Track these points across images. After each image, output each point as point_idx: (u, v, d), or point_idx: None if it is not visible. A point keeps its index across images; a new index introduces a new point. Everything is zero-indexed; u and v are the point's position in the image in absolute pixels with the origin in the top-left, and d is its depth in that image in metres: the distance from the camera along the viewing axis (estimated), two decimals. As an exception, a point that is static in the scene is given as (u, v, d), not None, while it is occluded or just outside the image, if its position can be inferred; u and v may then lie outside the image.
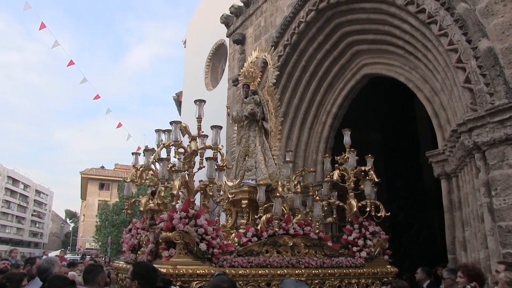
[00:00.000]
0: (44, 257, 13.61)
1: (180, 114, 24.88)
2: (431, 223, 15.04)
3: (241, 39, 16.39)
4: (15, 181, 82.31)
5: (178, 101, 25.98)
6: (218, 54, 22.22)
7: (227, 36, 18.14)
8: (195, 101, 7.03)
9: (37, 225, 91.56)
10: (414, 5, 9.63)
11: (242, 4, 16.82)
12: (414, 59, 10.99)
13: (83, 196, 69.00)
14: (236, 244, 6.65)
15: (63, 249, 44.52)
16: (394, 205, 15.54)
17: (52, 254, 24.62)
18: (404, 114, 16.86)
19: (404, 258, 12.47)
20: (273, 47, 13.16)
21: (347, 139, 8.44)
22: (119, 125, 23.24)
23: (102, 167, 70.89)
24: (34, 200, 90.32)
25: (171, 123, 6.76)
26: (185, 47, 26.43)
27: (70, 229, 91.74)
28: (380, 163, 15.17)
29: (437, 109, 10.61)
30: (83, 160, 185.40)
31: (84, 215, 67.05)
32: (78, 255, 36.18)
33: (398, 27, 10.84)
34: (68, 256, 27.87)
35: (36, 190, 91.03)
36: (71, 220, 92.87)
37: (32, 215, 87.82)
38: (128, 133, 26.99)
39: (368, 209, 7.88)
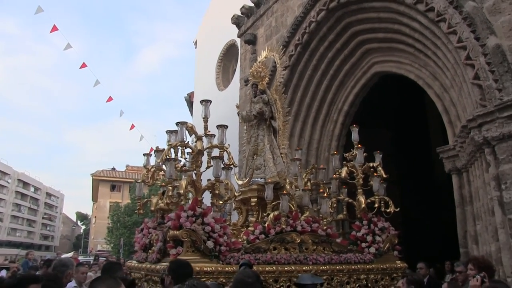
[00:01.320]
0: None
1: (191, 114, 24.98)
2: (443, 218, 14.99)
3: (252, 39, 16.47)
4: (25, 184, 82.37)
5: (189, 102, 26.09)
6: (229, 54, 22.30)
7: (238, 37, 18.22)
8: (201, 101, 7.09)
9: (48, 228, 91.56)
10: (423, 3, 9.72)
11: (252, 5, 16.90)
12: (423, 56, 11.03)
13: (94, 198, 69.05)
14: (244, 241, 6.69)
15: (77, 251, 44.82)
16: (406, 201, 15.57)
17: (64, 256, 24.76)
18: (414, 111, 16.84)
19: (417, 254, 12.47)
20: (283, 47, 13.32)
21: (355, 135, 8.46)
22: (132, 126, 23.27)
23: (113, 168, 70.89)
24: (45, 203, 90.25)
25: (177, 124, 6.83)
26: (196, 47, 26.53)
27: (81, 231, 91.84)
28: (391, 160, 15.25)
29: (447, 106, 10.67)
30: (94, 162, 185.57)
31: (95, 217, 67.11)
32: (90, 257, 36.31)
33: (408, 26, 10.90)
34: (81, 258, 27.98)
35: (46, 192, 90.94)
36: (82, 223, 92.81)
37: (43, 218, 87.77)
38: (141, 134, 27.06)
39: (376, 205, 7.90)
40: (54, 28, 17.61)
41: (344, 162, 8.41)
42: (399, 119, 16.91)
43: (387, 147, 14.85)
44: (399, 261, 7.92)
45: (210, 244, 6.01)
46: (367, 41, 12.81)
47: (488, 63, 8.15)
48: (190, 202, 6.47)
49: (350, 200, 8.29)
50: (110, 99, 22.27)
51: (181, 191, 6.37)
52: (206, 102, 7.05)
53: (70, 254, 26.68)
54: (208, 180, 6.80)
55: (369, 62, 13.13)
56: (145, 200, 8.39)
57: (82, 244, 75.25)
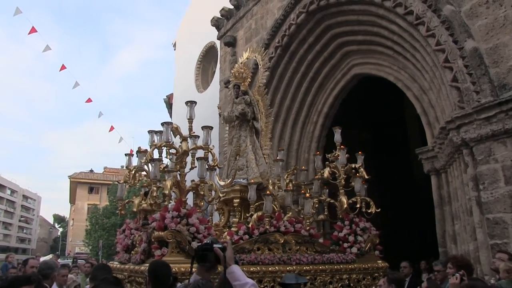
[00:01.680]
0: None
1: (171, 116, 24.92)
2: (422, 218, 15.15)
3: (232, 41, 16.50)
4: (1, 187, 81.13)
5: (169, 103, 26.04)
6: (208, 56, 22.31)
7: (218, 39, 18.23)
8: (186, 103, 7.10)
9: (24, 231, 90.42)
10: (402, 7, 9.86)
11: (232, 7, 16.93)
12: (402, 59, 11.18)
13: (72, 200, 68.57)
14: (229, 242, 6.72)
15: (55, 253, 44.35)
16: (385, 202, 15.70)
17: (43, 259, 24.48)
18: (393, 113, 16.99)
19: (396, 253, 12.60)
20: (264, 49, 13.35)
21: (337, 136, 8.54)
22: (111, 128, 23.21)
23: (91, 171, 70.52)
24: (22, 205, 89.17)
25: (162, 124, 6.83)
26: (175, 49, 26.49)
27: (59, 234, 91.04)
28: (371, 161, 15.35)
29: (426, 108, 10.83)
30: (71, 164, 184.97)
31: (73, 219, 66.69)
32: (68, 259, 36.00)
33: (387, 28, 11.03)
34: (59, 261, 27.69)
35: (23, 195, 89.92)
36: (59, 225, 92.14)
37: (20, 220, 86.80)
38: (120, 136, 26.95)
39: (358, 206, 7.99)
40: (33, 30, 17.46)
41: (326, 162, 8.48)
42: (378, 120, 17.05)
43: (366, 148, 15.00)
44: (381, 261, 8.00)
45: (195, 245, 6.01)
46: (346, 43, 12.91)
47: (466, 66, 8.31)
48: (173, 203, 6.49)
49: (332, 201, 8.37)
50: (89, 100, 22.20)
51: (166, 192, 6.38)
52: (191, 103, 7.06)
53: (49, 257, 26.42)
54: (192, 181, 6.82)
55: (348, 64, 13.24)
56: (126, 201, 8.35)
57: (59, 246, 74.57)
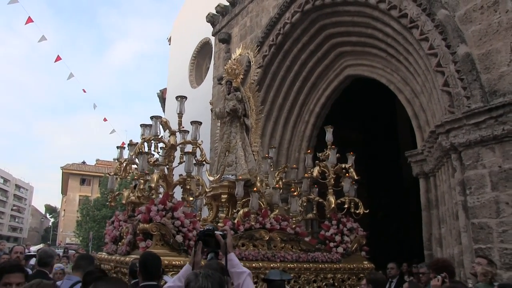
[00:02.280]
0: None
1: (164, 111, 24.90)
2: (409, 221, 15.23)
3: (226, 38, 16.49)
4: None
5: (162, 98, 26.01)
6: (203, 52, 22.27)
7: (212, 35, 18.22)
8: (177, 97, 7.13)
9: (16, 220, 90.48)
10: (396, 9, 9.86)
11: (228, 4, 16.93)
12: (395, 61, 11.19)
13: (64, 191, 68.38)
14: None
15: (46, 243, 44.26)
16: (374, 203, 15.76)
17: (34, 248, 24.44)
18: (385, 115, 17.05)
19: (383, 255, 12.67)
20: (258, 46, 13.38)
21: (329, 136, 8.57)
22: (105, 119, 23.21)
23: (84, 162, 70.34)
24: (14, 194, 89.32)
25: (151, 118, 6.86)
26: (170, 44, 26.45)
27: (50, 224, 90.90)
28: (361, 162, 15.38)
29: (417, 111, 10.85)
30: (64, 155, 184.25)
31: (64, 210, 66.48)
32: (58, 249, 35.96)
33: (381, 31, 11.04)
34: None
35: (16, 184, 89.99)
36: (51, 215, 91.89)
37: (12, 209, 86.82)
38: (113, 128, 26.89)
39: (346, 206, 8.02)
40: (29, 20, 17.38)
41: (317, 161, 8.52)
42: (369, 122, 17.10)
43: (356, 149, 15.04)
44: (366, 262, 8.06)
45: (179, 238, 6.06)
46: (340, 44, 12.92)
47: (458, 71, 8.32)
48: (161, 196, 6.52)
49: (320, 200, 8.40)
50: (84, 91, 22.21)
51: (153, 185, 6.41)
52: (181, 98, 7.09)
53: (39, 246, 26.39)
54: (180, 175, 6.84)
55: (341, 65, 13.25)
56: (117, 193, 8.37)
57: (51, 236, 74.46)
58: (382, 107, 16.35)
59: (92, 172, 65.77)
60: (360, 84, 13.70)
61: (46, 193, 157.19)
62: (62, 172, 65.02)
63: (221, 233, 3.80)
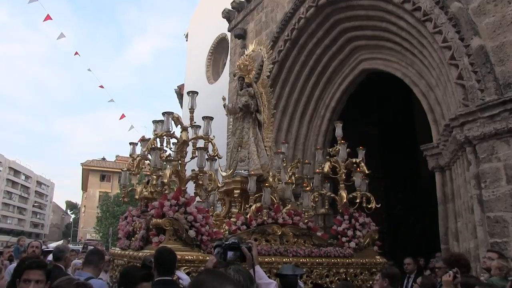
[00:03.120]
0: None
1: (181, 106, 24.98)
2: (426, 214, 15.19)
3: (242, 33, 16.50)
4: (16, 172, 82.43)
5: (179, 94, 26.06)
6: (219, 48, 22.30)
7: (228, 31, 18.24)
8: (188, 93, 7.17)
9: (38, 216, 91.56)
10: (410, 3, 9.84)
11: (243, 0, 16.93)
12: (410, 55, 11.16)
13: (84, 188, 68.94)
14: (226, 232, 6.80)
15: (67, 239, 44.76)
16: (391, 197, 15.74)
17: (53, 244, 24.73)
18: (402, 108, 16.97)
19: (401, 249, 12.65)
20: (273, 42, 13.44)
21: (339, 131, 8.58)
22: (122, 116, 23.32)
23: (103, 158, 70.80)
24: (35, 191, 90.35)
25: (163, 113, 6.91)
26: (187, 40, 26.52)
27: (71, 220, 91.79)
28: (377, 156, 15.35)
29: (432, 104, 10.83)
30: (84, 151, 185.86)
31: (85, 206, 67.07)
32: (79, 245, 36.26)
33: (395, 24, 11.01)
34: (70, 246, 27.94)
35: (37, 181, 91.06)
36: (71, 212, 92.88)
37: (33, 206, 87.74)
38: (131, 124, 27.08)
39: (358, 201, 8.02)
40: (48, 17, 17.57)
41: (327, 157, 8.53)
42: (386, 115, 17.02)
43: (373, 143, 15.04)
44: (379, 256, 8.06)
45: (192, 233, 6.11)
46: (355, 38, 12.90)
47: (472, 64, 8.27)
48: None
49: (333, 195, 8.41)
50: (101, 86, 22.39)
51: (165, 180, 6.46)
52: (193, 94, 7.14)
53: (60, 243, 26.70)
54: (193, 170, 6.89)
55: (357, 59, 13.24)
56: (130, 188, 8.43)
57: (71, 233, 75.14)
58: (399, 100, 16.28)
59: (112, 168, 66.15)
60: (376, 77, 13.66)
61: (66, 189, 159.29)
62: (82, 168, 65.54)
63: (246, 245, 3.82)
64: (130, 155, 8.25)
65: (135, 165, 7.91)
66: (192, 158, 6.92)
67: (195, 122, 7.07)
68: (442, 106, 10.28)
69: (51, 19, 17.70)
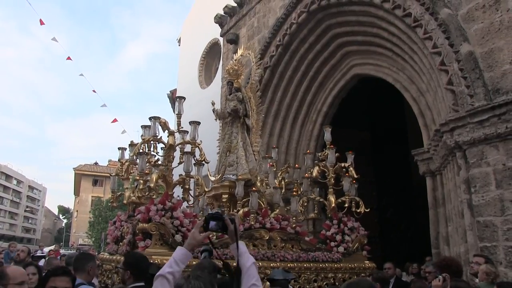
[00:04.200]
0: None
1: (174, 111, 24.95)
2: (418, 219, 15.22)
3: (234, 39, 16.53)
4: (8, 177, 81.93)
5: (172, 99, 26.08)
6: (212, 52, 22.32)
7: (221, 36, 18.27)
8: (176, 98, 7.18)
9: (30, 221, 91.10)
10: (400, 9, 9.90)
11: (235, 5, 16.97)
12: (401, 60, 11.22)
13: (77, 192, 68.69)
14: (214, 236, 6.76)
15: (59, 244, 44.57)
16: (383, 201, 15.76)
17: (47, 249, 24.64)
18: (393, 113, 17.00)
19: (393, 254, 12.65)
20: (264, 47, 13.47)
21: (327, 135, 8.58)
22: (115, 120, 23.33)
23: (96, 163, 70.61)
24: (27, 196, 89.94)
25: (150, 118, 6.89)
26: (179, 45, 26.53)
27: (63, 225, 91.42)
28: (369, 161, 15.36)
29: (423, 109, 10.88)
30: (76, 156, 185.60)
31: (77, 211, 66.77)
32: (71, 250, 36.15)
33: (386, 30, 11.08)
34: (62, 251, 27.85)
35: (29, 186, 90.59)
36: (63, 216, 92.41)
37: (25, 211, 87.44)
38: (124, 128, 27.08)
39: (347, 205, 8.00)
40: (41, 23, 17.63)
41: (316, 161, 8.52)
42: (378, 120, 17.06)
43: (366, 148, 15.09)
44: (368, 261, 8.03)
45: (178, 237, 6.08)
46: (346, 43, 12.95)
47: (461, 69, 8.33)
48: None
49: (321, 200, 8.40)
50: (93, 91, 22.33)
51: (152, 185, 6.44)
52: (180, 99, 7.15)
53: (52, 247, 26.61)
54: (180, 175, 6.87)
55: (348, 64, 13.28)
56: (119, 193, 8.40)
57: (63, 237, 74.84)
58: (391, 105, 16.32)
59: (104, 172, 65.89)
60: (368, 83, 13.71)
61: (59, 194, 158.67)
62: (75, 173, 65.33)
63: (229, 217, 3.78)
64: (118, 160, 8.24)
65: (124, 170, 7.88)
66: (180, 163, 6.90)
67: (182, 127, 7.05)
68: (432, 111, 10.33)
69: (44, 24, 17.76)
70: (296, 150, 14.61)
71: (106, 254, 7.79)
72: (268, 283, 6.41)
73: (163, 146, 7.03)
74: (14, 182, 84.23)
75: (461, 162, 8.33)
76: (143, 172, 6.78)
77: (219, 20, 17.94)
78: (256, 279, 3.34)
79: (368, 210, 8.13)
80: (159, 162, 7.22)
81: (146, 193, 6.69)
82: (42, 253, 14.83)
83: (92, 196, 62.95)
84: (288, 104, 14.63)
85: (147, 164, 7.11)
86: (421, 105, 10.90)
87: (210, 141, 9.05)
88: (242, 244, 3.56)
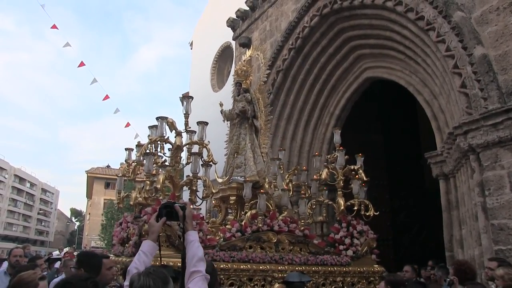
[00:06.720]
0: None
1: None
2: (431, 222, 15.09)
3: (247, 42, 16.48)
4: (21, 180, 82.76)
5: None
6: (224, 56, 22.31)
7: (233, 39, 18.29)
8: (182, 97, 7.14)
9: (43, 224, 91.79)
10: (413, 12, 9.87)
11: (248, 8, 16.99)
12: (414, 63, 11.16)
13: (89, 195, 68.88)
14: (221, 239, 6.69)
15: (72, 246, 44.75)
16: (396, 205, 15.65)
17: (57, 252, 24.67)
18: (406, 116, 16.92)
19: (406, 257, 12.55)
20: (277, 50, 13.47)
21: (337, 138, 8.50)
22: (127, 124, 23.26)
23: (108, 166, 70.70)
24: (40, 198, 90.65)
25: (157, 118, 6.83)
26: (191, 48, 26.55)
27: (76, 227, 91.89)
28: (382, 164, 15.26)
29: (436, 112, 10.83)
30: (89, 159, 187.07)
31: (89, 213, 67.00)
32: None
33: (399, 33, 11.03)
34: (75, 254, 27.89)
35: (42, 188, 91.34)
36: (76, 219, 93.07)
37: (38, 213, 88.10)
38: (136, 132, 27.12)
39: (355, 208, 7.90)
40: (54, 27, 17.72)
41: (325, 164, 8.44)
42: (391, 123, 16.95)
43: (378, 151, 14.99)
44: (377, 265, 7.91)
45: (185, 239, 6.01)
46: (359, 47, 12.92)
47: (475, 72, 8.29)
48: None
49: (330, 202, 8.30)
50: (106, 97, 22.29)
51: (158, 186, 6.37)
52: (187, 99, 7.08)
53: (65, 250, 26.70)
54: (187, 176, 6.80)
55: (361, 67, 13.25)
56: (125, 194, 8.33)
57: (76, 240, 75.18)
58: (404, 108, 16.24)
59: (116, 175, 65.92)
60: (381, 85, 13.65)
61: (71, 197, 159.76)
62: (87, 176, 65.50)
63: (180, 205, 3.86)
64: (125, 161, 8.18)
65: (130, 171, 7.82)
66: (187, 163, 6.82)
67: (190, 127, 6.98)
68: (445, 114, 10.28)
69: (57, 28, 17.84)
70: (309, 153, 14.54)
71: (112, 256, 7.72)
72: (277, 285, 6.37)
73: (170, 146, 6.97)
74: (28, 185, 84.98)
75: (474, 165, 8.29)
76: (150, 173, 6.70)
77: (231, 23, 17.95)
78: (196, 262, 3.44)
79: (377, 213, 8.02)
80: (166, 163, 7.16)
81: (153, 194, 6.61)
82: (59, 255, 14.86)
83: (104, 199, 63.08)
84: (300, 107, 14.63)
85: (154, 165, 7.04)
86: (434, 108, 10.85)
87: (221, 143, 8.97)
88: (193, 233, 3.66)
